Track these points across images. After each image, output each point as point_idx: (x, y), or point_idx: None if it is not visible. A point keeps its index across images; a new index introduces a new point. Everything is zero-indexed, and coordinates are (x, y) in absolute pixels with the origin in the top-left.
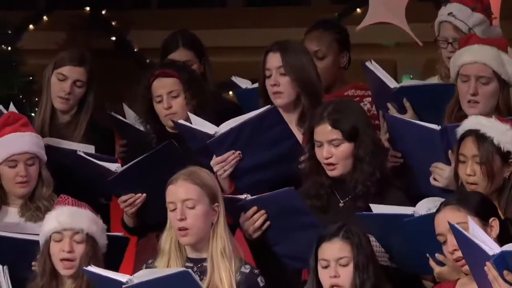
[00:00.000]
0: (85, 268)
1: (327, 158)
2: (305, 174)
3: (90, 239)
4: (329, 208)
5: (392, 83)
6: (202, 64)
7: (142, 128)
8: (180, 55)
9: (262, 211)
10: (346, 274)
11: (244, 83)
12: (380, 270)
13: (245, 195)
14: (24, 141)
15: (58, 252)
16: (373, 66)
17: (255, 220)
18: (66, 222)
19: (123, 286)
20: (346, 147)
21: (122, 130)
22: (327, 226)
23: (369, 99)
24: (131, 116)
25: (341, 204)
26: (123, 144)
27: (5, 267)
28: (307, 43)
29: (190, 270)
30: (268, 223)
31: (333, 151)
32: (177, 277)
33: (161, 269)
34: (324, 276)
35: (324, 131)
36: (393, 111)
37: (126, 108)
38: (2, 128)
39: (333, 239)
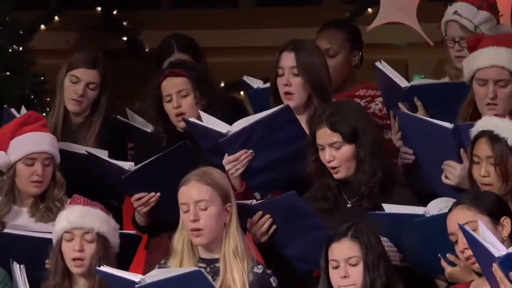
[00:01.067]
0: (97, 268)
1: (329, 162)
2: (311, 175)
3: (101, 238)
4: (337, 210)
5: (402, 83)
6: (199, 65)
7: (148, 130)
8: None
9: (268, 216)
10: (356, 273)
11: (256, 83)
12: (391, 269)
13: (251, 201)
14: (44, 141)
15: (69, 251)
16: (383, 66)
17: (261, 225)
18: (76, 222)
19: (136, 285)
20: (347, 149)
21: (128, 133)
22: (335, 227)
23: (381, 99)
24: (135, 120)
25: (348, 205)
26: (130, 147)
27: (22, 266)
28: (319, 42)
29: (202, 270)
30: (274, 227)
31: (334, 154)
32: (190, 276)
33: (173, 268)
34: (335, 276)
35: (324, 135)
36: (403, 110)
37: (129, 112)
38: (23, 126)
39: (342, 239)
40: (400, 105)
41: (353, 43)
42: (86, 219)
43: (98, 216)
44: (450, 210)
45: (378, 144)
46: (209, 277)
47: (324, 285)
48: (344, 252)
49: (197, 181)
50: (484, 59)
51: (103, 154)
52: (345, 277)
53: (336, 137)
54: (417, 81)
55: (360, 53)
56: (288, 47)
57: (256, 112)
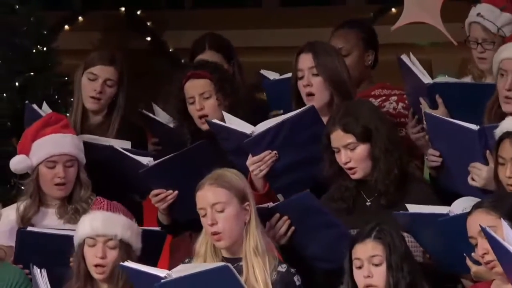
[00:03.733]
0: (122, 263)
1: (346, 163)
2: (328, 178)
3: (123, 245)
4: (356, 209)
5: (426, 79)
6: (232, 66)
7: (172, 126)
8: (206, 57)
9: (285, 217)
10: (379, 273)
11: (272, 75)
12: (416, 269)
13: (267, 204)
14: (64, 143)
15: (91, 257)
16: (408, 60)
17: (279, 227)
18: (99, 228)
19: (162, 280)
20: (362, 149)
21: (152, 128)
22: (356, 226)
23: (395, 97)
24: (161, 115)
25: (368, 203)
26: (154, 142)
27: (43, 270)
28: (332, 41)
29: (230, 265)
30: (292, 228)
31: (350, 155)
32: (217, 272)
33: (200, 263)
34: (358, 276)
35: (338, 137)
36: (425, 106)
37: (156, 107)
38: (43, 128)
39: (366, 240)
40: (422, 100)
41: (366, 42)
42: (109, 226)
43: (121, 223)
44: (469, 213)
45: (393, 141)
46: (237, 273)
47: (348, 286)
48: (367, 252)
49: (211, 184)
50: (508, 51)
51: (126, 144)
52: (369, 276)
53: (350, 138)
54: (440, 78)
55: (374, 53)
56: (304, 49)
57: (272, 103)
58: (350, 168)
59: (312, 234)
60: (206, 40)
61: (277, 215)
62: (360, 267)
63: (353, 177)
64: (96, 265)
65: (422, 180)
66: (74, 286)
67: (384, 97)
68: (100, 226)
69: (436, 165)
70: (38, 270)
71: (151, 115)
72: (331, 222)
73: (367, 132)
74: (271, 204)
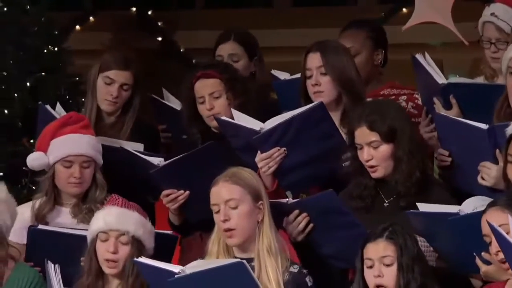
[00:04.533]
0: (136, 259)
1: (367, 161)
2: (349, 174)
3: (135, 242)
4: (373, 208)
5: (440, 79)
6: (253, 63)
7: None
8: (228, 47)
9: (304, 214)
10: (390, 273)
11: (283, 75)
12: (427, 271)
13: (287, 200)
14: (82, 143)
15: (103, 251)
16: (423, 59)
17: (298, 224)
18: (112, 223)
19: (175, 276)
20: (385, 148)
21: (161, 113)
22: (371, 225)
23: (405, 97)
24: (171, 100)
25: (386, 204)
26: (162, 129)
27: (56, 265)
28: (341, 41)
29: (244, 262)
30: (311, 225)
31: (372, 153)
32: (231, 268)
33: (214, 260)
34: (369, 276)
35: (363, 134)
36: (438, 106)
37: (166, 93)
38: (63, 127)
39: (378, 240)
40: (435, 100)
41: (375, 41)
42: (122, 221)
43: (134, 219)
44: (484, 211)
45: (416, 143)
46: (251, 270)
47: (359, 285)
48: (378, 251)
49: (226, 181)
50: None
51: (138, 147)
52: (379, 276)
53: (374, 136)
54: (455, 78)
55: (384, 51)
56: (312, 48)
57: (282, 103)
58: (371, 166)
59: (330, 232)
60: (232, 31)
61: (297, 211)
62: (371, 267)
63: (373, 175)
64: (108, 260)
65: (443, 185)
66: (85, 282)
67: (393, 97)
68: (114, 220)
69: (445, 164)
70: (52, 265)
71: (161, 99)
72: (352, 223)
73: (392, 132)
74: (290, 200)
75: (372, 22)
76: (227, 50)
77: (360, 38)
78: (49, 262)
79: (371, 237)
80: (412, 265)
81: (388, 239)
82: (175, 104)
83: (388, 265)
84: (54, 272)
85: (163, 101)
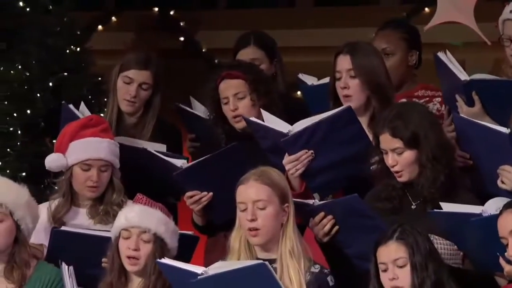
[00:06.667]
0: (158, 260)
1: (392, 166)
2: (376, 176)
3: (158, 240)
4: (401, 210)
5: (462, 75)
6: (274, 65)
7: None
8: (249, 52)
9: (330, 217)
10: (404, 275)
11: (310, 80)
12: (442, 268)
13: (313, 201)
14: (101, 148)
15: (125, 249)
16: (445, 57)
17: (323, 225)
18: (134, 220)
19: (198, 277)
20: (409, 154)
21: (189, 123)
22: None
23: (439, 99)
24: (198, 108)
25: (413, 207)
26: (191, 138)
27: (70, 267)
28: (376, 42)
29: (267, 263)
30: (336, 227)
31: (397, 158)
32: (254, 269)
33: (236, 261)
34: (385, 279)
35: (386, 140)
36: (461, 103)
37: (193, 101)
38: (83, 129)
39: (388, 242)
40: (458, 97)
41: (410, 42)
42: (144, 218)
43: (156, 217)
44: (500, 213)
45: (442, 148)
46: (273, 271)
47: None
48: (390, 254)
49: (256, 180)
50: None
51: (161, 148)
52: (394, 278)
53: (397, 143)
54: (477, 75)
55: (418, 52)
56: (343, 50)
57: (310, 108)
58: (396, 171)
59: (355, 235)
60: (251, 35)
61: (322, 213)
62: (385, 270)
63: (399, 180)
64: (129, 257)
65: (469, 189)
66: (108, 280)
67: (427, 98)
68: (135, 217)
69: (464, 165)
70: (66, 267)
71: (188, 108)
72: (376, 226)
73: (416, 138)
74: (317, 202)
75: (406, 23)
76: (248, 55)
77: (394, 39)
78: (63, 263)
79: (382, 241)
80: (426, 263)
81: (399, 240)
82: (203, 112)
83: (401, 267)
84: (68, 273)
85: (190, 110)
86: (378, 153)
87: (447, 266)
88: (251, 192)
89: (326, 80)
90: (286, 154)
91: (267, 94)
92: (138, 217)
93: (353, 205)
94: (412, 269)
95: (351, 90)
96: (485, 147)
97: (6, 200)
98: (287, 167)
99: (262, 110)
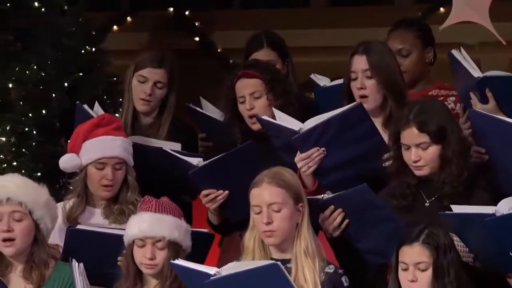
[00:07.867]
0: (172, 261)
1: (415, 162)
2: (391, 173)
3: (172, 245)
4: (414, 207)
5: (476, 72)
6: (286, 66)
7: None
8: (263, 55)
9: (340, 210)
10: (425, 279)
11: (323, 81)
12: (463, 273)
13: (322, 195)
14: (115, 146)
15: (140, 257)
16: (459, 54)
17: (333, 219)
18: (146, 230)
19: (211, 278)
20: (434, 149)
21: (200, 122)
22: (411, 224)
23: (453, 98)
24: (209, 109)
25: (427, 204)
26: (202, 137)
27: (80, 264)
28: (390, 42)
29: (279, 263)
30: (346, 221)
31: (421, 154)
32: (266, 270)
33: (249, 262)
34: (403, 278)
35: (411, 135)
36: (475, 100)
37: (203, 101)
38: (96, 128)
39: (413, 244)
40: (472, 95)
41: (424, 40)
42: (157, 228)
43: (168, 224)
44: None
45: (465, 144)
46: (286, 272)
47: (394, 284)
48: (414, 257)
49: (269, 183)
50: None
51: (176, 146)
52: (413, 281)
53: (424, 138)
54: (491, 72)
55: (433, 49)
56: (358, 50)
57: (323, 110)
58: (418, 166)
59: (366, 227)
60: (263, 37)
61: (332, 207)
62: (405, 269)
63: (418, 173)
64: (145, 264)
65: (485, 188)
66: (123, 286)
67: (442, 98)
68: (148, 228)
69: (482, 160)
70: (77, 264)
71: (198, 109)
72: (387, 216)
73: (442, 133)
74: (325, 196)
75: (418, 21)
76: (262, 57)
77: (410, 38)
78: (73, 260)
79: (407, 240)
80: (448, 269)
81: (424, 244)
82: (213, 112)
83: (423, 270)
84: (78, 270)
85: (201, 110)
86: (394, 150)
87: (467, 267)
88: (265, 195)
89: (339, 81)
90: (298, 152)
91: (283, 94)
92: (151, 227)
93: (363, 195)
94: (434, 274)
95: (368, 91)
96: (500, 142)
97: (25, 199)
98: (299, 165)
99: (274, 109)
